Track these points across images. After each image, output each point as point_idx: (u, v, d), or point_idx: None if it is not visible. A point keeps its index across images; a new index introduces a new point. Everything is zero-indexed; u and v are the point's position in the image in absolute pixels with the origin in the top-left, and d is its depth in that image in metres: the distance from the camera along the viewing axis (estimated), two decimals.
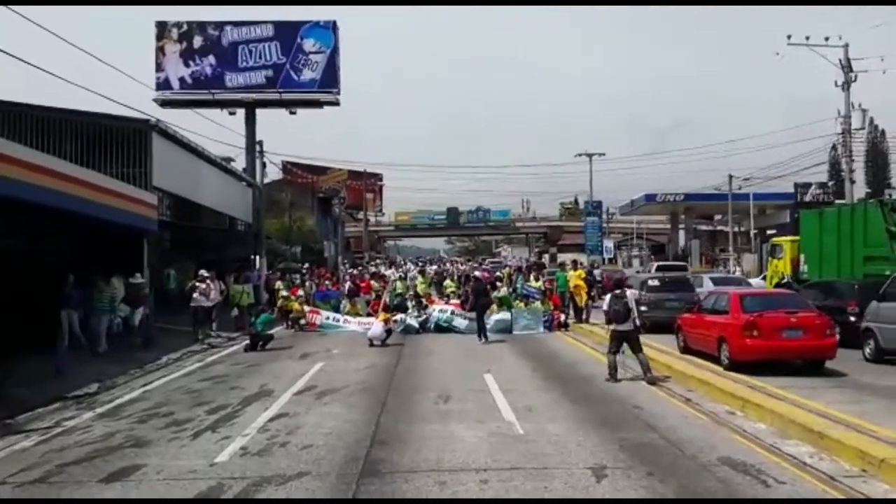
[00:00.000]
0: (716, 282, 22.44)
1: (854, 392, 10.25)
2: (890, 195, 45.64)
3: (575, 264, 26.47)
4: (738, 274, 34.24)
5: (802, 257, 21.43)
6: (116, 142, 20.35)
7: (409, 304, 22.11)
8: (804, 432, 7.75)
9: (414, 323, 20.15)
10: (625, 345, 12.18)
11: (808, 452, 7.32)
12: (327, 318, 21.59)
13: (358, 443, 8.09)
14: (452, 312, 21.06)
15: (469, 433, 8.42)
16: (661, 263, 38.12)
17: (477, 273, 25.24)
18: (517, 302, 21.59)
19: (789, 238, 24.78)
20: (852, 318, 13.99)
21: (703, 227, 68.90)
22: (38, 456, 7.88)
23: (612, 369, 12.03)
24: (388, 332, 17.86)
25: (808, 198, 46.15)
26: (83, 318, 15.71)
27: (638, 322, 12.41)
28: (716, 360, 12.60)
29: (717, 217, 65.53)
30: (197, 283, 19.01)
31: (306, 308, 22.22)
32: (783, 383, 10.59)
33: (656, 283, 20.06)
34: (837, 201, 34.11)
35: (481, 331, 18.07)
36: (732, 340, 12.09)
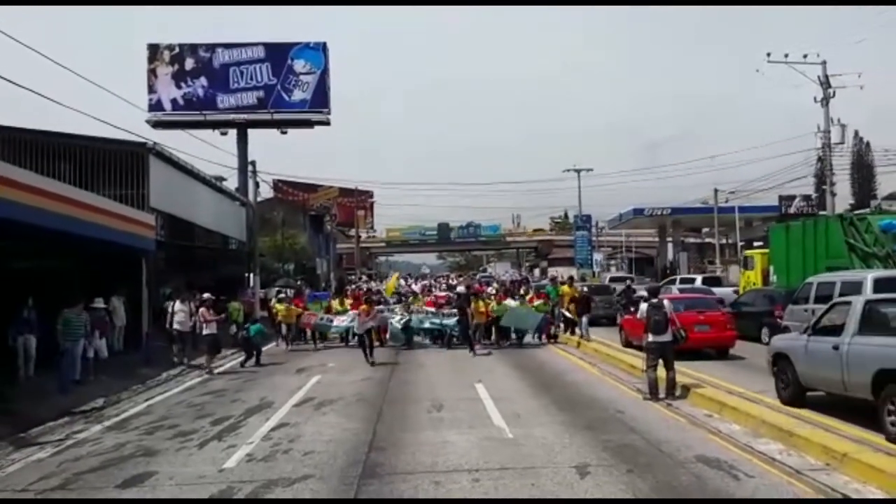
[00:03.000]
0: (682, 290, 24.37)
1: (742, 370, 13.56)
2: (878, 206, 46.71)
3: (571, 280, 26.86)
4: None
5: (772, 268, 22.61)
6: (114, 164, 20.86)
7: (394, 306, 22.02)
8: (775, 431, 8.30)
9: (397, 325, 20.01)
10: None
11: (778, 450, 7.86)
12: (321, 318, 21.27)
13: (357, 448, 8.57)
14: (436, 314, 20.71)
15: (461, 438, 8.92)
16: (612, 276, 44.92)
17: (461, 288, 24.13)
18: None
19: (759, 251, 26.27)
20: (779, 320, 15.66)
21: (692, 240, 69.77)
22: (55, 466, 8.33)
23: (653, 388, 11.25)
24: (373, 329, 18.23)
25: (792, 210, 47.03)
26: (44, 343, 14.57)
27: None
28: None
29: (705, 230, 66.43)
30: (202, 310, 17.33)
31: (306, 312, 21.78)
32: (699, 367, 13.36)
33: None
34: (821, 213, 34.96)
35: (470, 343, 18.51)
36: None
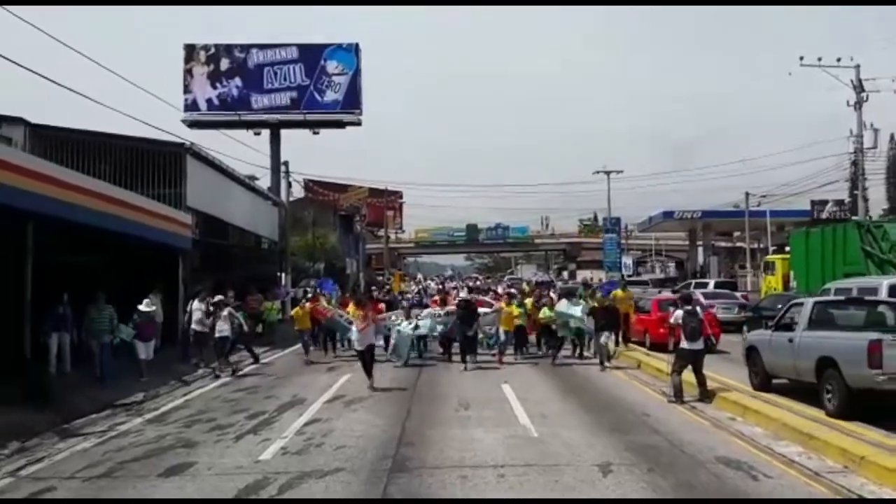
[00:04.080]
0: (706, 295, 23.97)
1: (725, 363, 14.59)
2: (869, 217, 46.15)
3: (586, 283, 26.79)
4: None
5: (792, 273, 22.85)
6: (152, 164, 21.40)
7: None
8: (796, 434, 8.45)
9: (406, 330, 16.73)
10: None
11: (798, 452, 8.01)
12: (339, 315, 17.74)
13: (386, 444, 8.87)
14: (448, 314, 17.21)
15: (488, 436, 9.18)
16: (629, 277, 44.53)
17: (463, 293, 20.78)
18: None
19: (780, 256, 26.70)
20: None
21: (723, 244, 69.11)
22: (100, 455, 8.76)
23: (678, 391, 11.37)
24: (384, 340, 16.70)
25: (824, 215, 46.44)
26: (76, 340, 14.97)
27: (714, 340, 12.76)
28: (642, 344, 18.69)
29: (737, 234, 65.81)
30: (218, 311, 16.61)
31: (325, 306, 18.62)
32: None
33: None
34: (853, 218, 34.65)
35: (463, 356, 16.24)
36: (651, 331, 18.23)
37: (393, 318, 17.45)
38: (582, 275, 62.35)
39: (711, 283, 32.04)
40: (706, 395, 11.32)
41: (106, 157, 21.36)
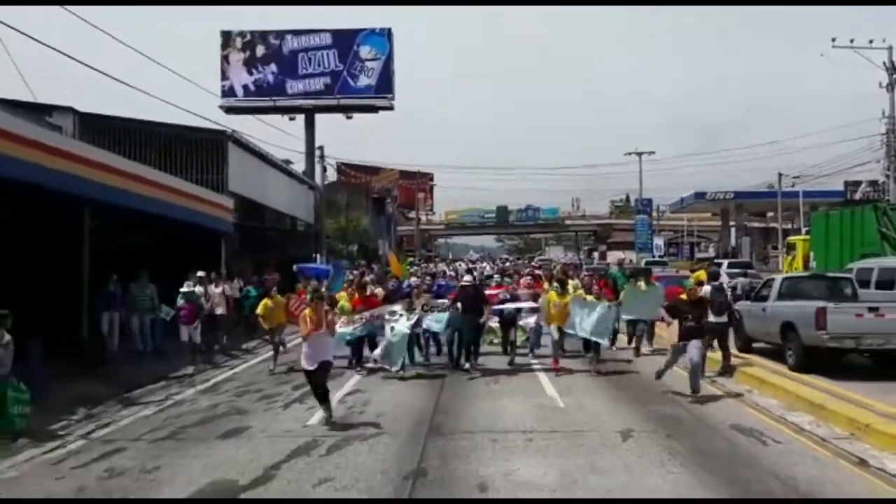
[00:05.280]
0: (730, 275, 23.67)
1: None
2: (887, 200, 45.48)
3: (621, 264, 26.23)
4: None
5: (812, 254, 23.19)
6: (195, 150, 22.31)
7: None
8: (807, 405, 8.98)
9: (403, 328, 12.56)
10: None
11: (808, 421, 8.53)
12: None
13: (422, 412, 9.57)
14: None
15: (517, 405, 9.83)
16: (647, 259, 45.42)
17: (468, 277, 15.91)
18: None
19: (802, 237, 27.04)
20: None
21: (756, 225, 68.59)
22: (161, 421, 9.59)
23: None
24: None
25: (857, 195, 46.02)
26: (124, 319, 15.35)
27: (739, 314, 13.10)
28: None
29: (770, 214, 65.26)
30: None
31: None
32: None
33: None
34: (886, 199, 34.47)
35: (468, 354, 12.97)
36: None
37: (391, 312, 13.07)
38: (613, 256, 62.43)
39: (725, 263, 32.34)
40: (727, 370, 11.81)
41: (150, 143, 22.29)
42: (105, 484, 6.80)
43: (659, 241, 66.58)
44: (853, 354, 11.31)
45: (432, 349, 14.31)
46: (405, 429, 8.65)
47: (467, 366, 12.70)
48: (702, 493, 6.17)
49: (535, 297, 14.20)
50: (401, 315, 12.87)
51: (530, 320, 13.97)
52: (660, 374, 10.81)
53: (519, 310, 14.08)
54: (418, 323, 13.13)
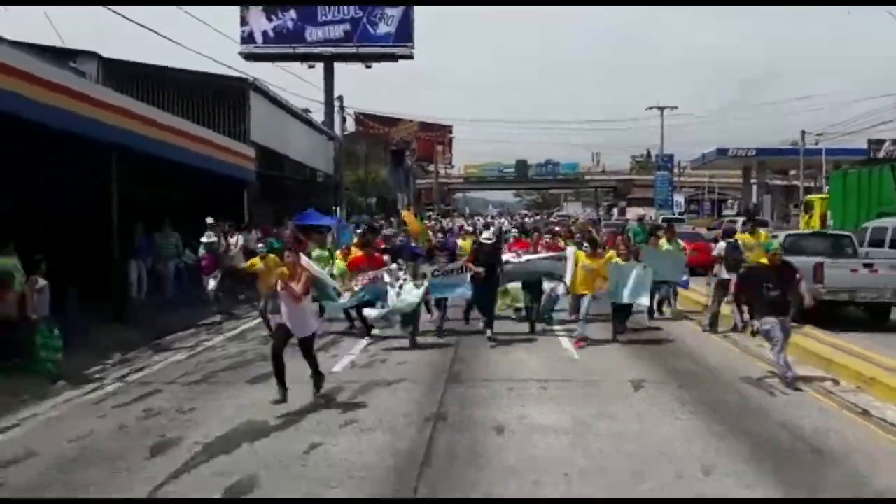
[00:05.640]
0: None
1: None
2: None
3: (641, 220, 25.85)
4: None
5: (829, 213, 23.40)
6: (217, 98, 22.39)
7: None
8: (817, 359, 9.29)
9: (412, 297, 10.93)
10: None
11: (817, 374, 8.79)
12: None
13: (442, 361, 9.93)
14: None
15: (533, 358, 10.16)
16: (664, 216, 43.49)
17: (486, 234, 12.94)
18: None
19: (819, 196, 27.25)
20: None
21: (778, 183, 67.85)
22: (193, 366, 10.01)
23: (714, 321, 12.10)
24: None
25: (881, 154, 45.36)
26: (150, 267, 15.59)
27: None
28: None
29: (792, 172, 64.49)
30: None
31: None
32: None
33: None
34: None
35: (488, 322, 11.56)
36: None
37: (391, 274, 11.28)
38: (633, 212, 62.15)
39: (740, 221, 32.36)
40: (739, 325, 11.96)
41: (173, 90, 22.30)
42: (144, 423, 7.21)
43: (679, 198, 66.26)
44: (849, 307, 12.39)
45: (447, 312, 12.35)
46: (425, 376, 9.02)
47: (489, 333, 11.29)
48: (710, 440, 6.44)
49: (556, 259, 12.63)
50: (405, 280, 10.99)
51: (555, 287, 12.51)
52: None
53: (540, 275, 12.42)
54: (428, 290, 11.30)
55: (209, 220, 16.33)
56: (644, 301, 11.69)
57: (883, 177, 19.27)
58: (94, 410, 7.76)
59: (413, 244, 15.61)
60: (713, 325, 12.15)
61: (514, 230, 19.16)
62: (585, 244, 12.38)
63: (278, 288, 7.68)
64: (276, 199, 28.32)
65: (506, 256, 12.52)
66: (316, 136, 34.63)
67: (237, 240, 16.25)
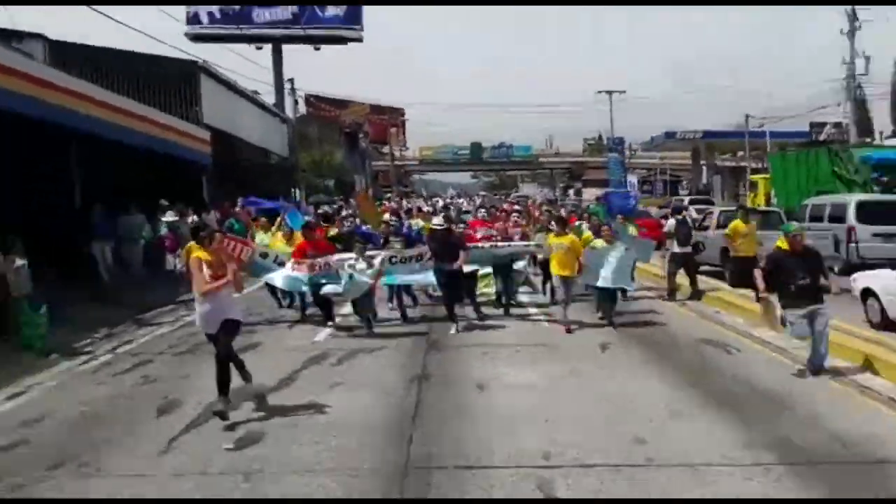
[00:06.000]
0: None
1: None
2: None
3: (598, 199, 26.65)
4: None
5: (773, 191, 24.76)
6: (167, 81, 22.14)
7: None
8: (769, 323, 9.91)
9: (364, 277, 10.09)
10: None
11: (772, 336, 9.44)
12: (259, 255, 11.62)
13: (418, 331, 10.35)
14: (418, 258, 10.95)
15: (506, 325, 10.69)
16: None
17: (437, 220, 12.73)
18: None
19: (762, 177, 29.13)
20: None
21: (727, 164, 69.76)
22: (177, 339, 10.25)
23: (672, 291, 12.84)
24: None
25: (822, 136, 47.33)
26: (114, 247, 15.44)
27: (703, 246, 13.95)
28: None
29: (740, 153, 66.41)
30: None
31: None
32: None
33: None
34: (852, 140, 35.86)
35: (455, 317, 10.50)
36: None
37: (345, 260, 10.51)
38: (589, 193, 63.26)
39: (687, 199, 33.54)
40: (697, 294, 12.77)
41: (122, 72, 21.78)
42: (144, 388, 7.55)
43: (633, 179, 67.52)
44: None
45: (406, 300, 11.86)
46: (404, 344, 9.46)
47: (452, 330, 10.20)
48: (673, 392, 7.05)
49: (524, 238, 12.45)
50: (356, 261, 10.29)
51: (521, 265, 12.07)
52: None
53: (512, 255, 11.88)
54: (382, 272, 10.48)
55: (163, 201, 16.61)
56: (628, 286, 11.17)
57: (820, 159, 20.42)
58: (92, 379, 8.04)
59: (364, 227, 15.16)
60: (671, 295, 12.88)
61: (481, 211, 18.12)
62: (552, 224, 11.55)
63: (207, 278, 6.35)
64: (233, 181, 28.20)
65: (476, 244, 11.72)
66: (268, 118, 34.43)
67: (191, 220, 16.54)
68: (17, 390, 7.52)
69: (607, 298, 10.65)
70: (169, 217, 16.10)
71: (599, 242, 10.95)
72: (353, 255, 10.47)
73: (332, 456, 5.48)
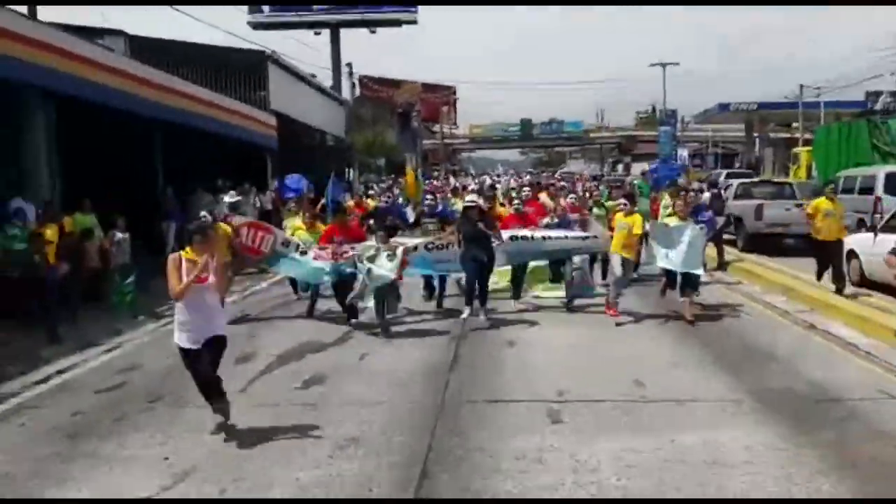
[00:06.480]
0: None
1: None
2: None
3: (644, 174, 26.56)
4: None
5: (814, 164, 24.96)
6: (238, 70, 23.76)
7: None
8: (781, 288, 10.99)
9: (383, 270, 8.86)
10: None
11: (781, 300, 10.37)
12: (282, 243, 10.25)
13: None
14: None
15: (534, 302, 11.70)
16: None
17: (470, 198, 11.03)
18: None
19: (805, 149, 29.39)
20: None
21: (782, 136, 68.59)
22: (248, 305, 11.60)
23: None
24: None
25: (878, 106, 46.25)
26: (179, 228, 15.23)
27: (731, 219, 15.43)
28: None
29: (795, 125, 65.26)
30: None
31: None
32: None
33: None
34: None
35: (472, 300, 9.80)
36: None
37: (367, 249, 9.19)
38: (638, 168, 63.21)
39: (724, 172, 33.00)
40: (723, 265, 13.63)
41: (196, 64, 23.53)
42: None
43: (683, 153, 67.00)
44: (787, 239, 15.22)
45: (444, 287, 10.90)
46: (445, 314, 10.46)
47: (482, 315, 9.56)
48: (679, 350, 8.04)
49: (582, 224, 10.74)
50: (377, 250, 9.04)
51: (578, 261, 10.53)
52: None
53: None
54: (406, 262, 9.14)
55: (220, 181, 17.82)
56: (699, 271, 9.71)
57: (860, 130, 20.53)
58: None
59: (404, 207, 14.51)
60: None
61: (525, 189, 14.01)
62: (622, 201, 10.30)
63: (185, 278, 5.51)
64: (297, 163, 29.77)
65: (519, 231, 10.25)
66: (328, 101, 35.90)
67: (254, 202, 17.87)
68: (112, 346, 8.91)
69: (687, 282, 9.42)
70: (229, 198, 16.24)
71: (673, 220, 9.93)
72: (372, 243, 9.30)
73: (383, 391, 6.71)
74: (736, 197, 16.80)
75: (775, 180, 19.96)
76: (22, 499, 4.86)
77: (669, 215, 10.24)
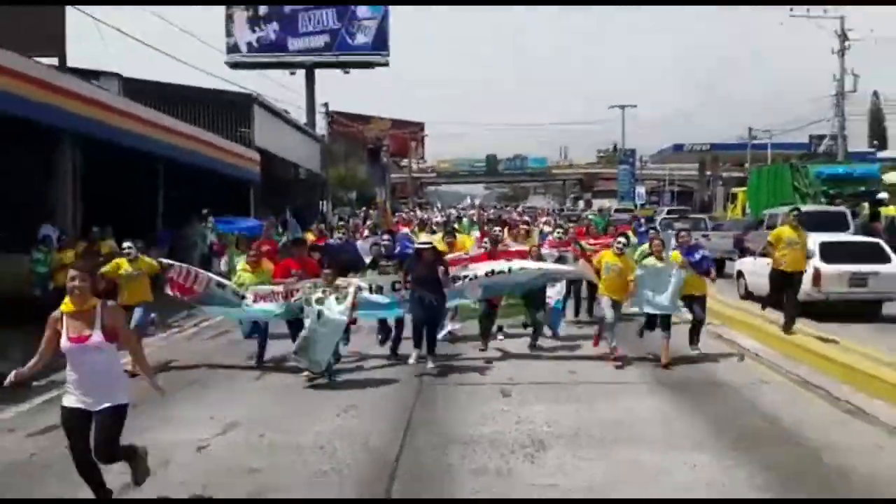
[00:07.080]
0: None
1: None
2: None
3: (600, 211, 29.54)
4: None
5: (748, 203, 27.65)
6: (225, 110, 25.68)
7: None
8: (721, 318, 12.34)
9: (335, 314, 8.28)
10: None
11: (716, 325, 12.04)
12: (215, 285, 9.49)
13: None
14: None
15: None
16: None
17: (424, 237, 12.17)
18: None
19: (742, 189, 32.54)
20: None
21: (735, 174, 72.10)
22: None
23: None
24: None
25: (821, 149, 49.64)
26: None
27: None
28: None
29: (746, 165, 68.81)
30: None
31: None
32: None
33: None
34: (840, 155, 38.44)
35: (421, 344, 9.16)
36: None
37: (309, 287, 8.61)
38: (598, 204, 65.98)
39: (665, 210, 36.22)
40: None
41: (187, 104, 25.22)
42: (230, 347, 10.55)
43: (641, 190, 70.17)
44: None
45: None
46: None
47: (412, 357, 9.07)
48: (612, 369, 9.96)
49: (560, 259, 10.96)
50: (324, 291, 8.39)
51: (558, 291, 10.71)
52: None
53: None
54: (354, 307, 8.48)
55: (204, 211, 18.76)
56: (677, 311, 9.64)
57: (784, 174, 23.03)
58: (191, 342, 11.19)
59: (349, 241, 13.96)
60: None
61: (496, 229, 14.03)
62: (619, 240, 10.05)
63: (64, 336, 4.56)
64: (275, 195, 31.50)
65: (490, 265, 9.83)
66: (305, 138, 37.78)
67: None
68: None
69: (663, 322, 9.25)
70: (212, 225, 18.32)
71: (650, 261, 9.52)
72: (318, 280, 8.62)
73: (376, 379, 8.59)
74: (663, 226, 20.26)
75: (691, 215, 25.61)
76: (22, 499, 5.16)
77: (647, 255, 9.95)
